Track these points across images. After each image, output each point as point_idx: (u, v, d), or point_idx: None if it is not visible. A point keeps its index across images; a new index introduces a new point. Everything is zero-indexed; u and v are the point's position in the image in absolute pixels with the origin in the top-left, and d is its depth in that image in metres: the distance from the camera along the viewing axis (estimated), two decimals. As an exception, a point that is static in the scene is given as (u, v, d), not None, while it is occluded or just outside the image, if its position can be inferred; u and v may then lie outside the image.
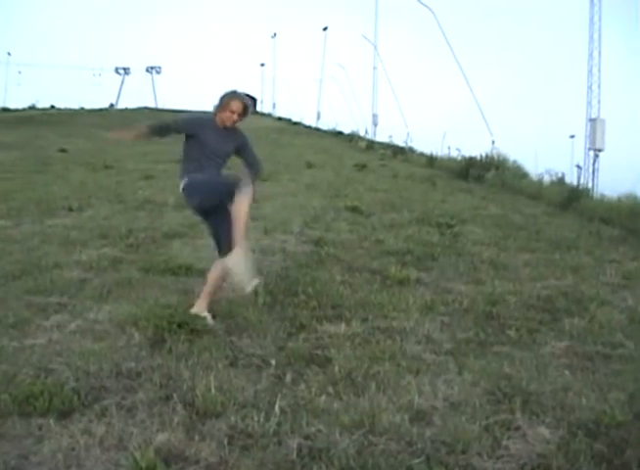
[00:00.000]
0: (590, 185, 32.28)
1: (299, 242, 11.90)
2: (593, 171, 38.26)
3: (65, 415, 4.80)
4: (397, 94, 60.43)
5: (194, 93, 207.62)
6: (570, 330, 7.33)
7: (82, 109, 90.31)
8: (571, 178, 26.52)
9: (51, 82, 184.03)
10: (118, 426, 4.67)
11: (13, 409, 4.79)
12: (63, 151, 30.19)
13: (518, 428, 4.92)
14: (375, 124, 65.11)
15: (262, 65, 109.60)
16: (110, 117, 66.53)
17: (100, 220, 13.09)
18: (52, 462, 4.20)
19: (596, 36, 41.28)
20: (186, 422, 4.76)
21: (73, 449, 4.34)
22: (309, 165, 27.50)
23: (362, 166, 28.10)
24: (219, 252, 7.40)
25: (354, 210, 15.84)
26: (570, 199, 19.78)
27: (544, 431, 4.88)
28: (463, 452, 4.48)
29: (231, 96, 7.71)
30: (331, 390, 5.40)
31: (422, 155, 40.47)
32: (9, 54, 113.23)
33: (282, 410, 4.96)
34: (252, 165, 7.92)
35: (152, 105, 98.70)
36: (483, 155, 29.86)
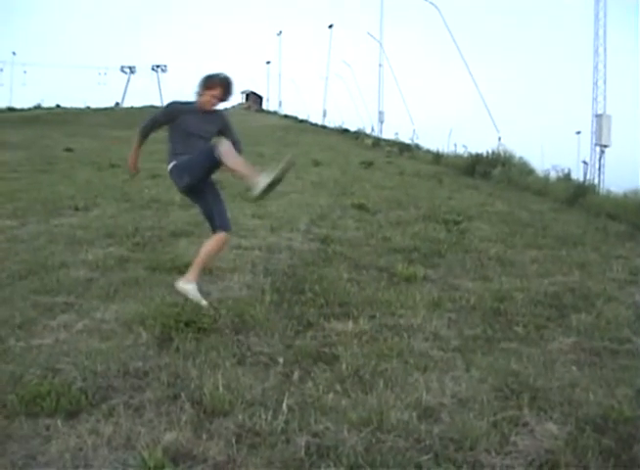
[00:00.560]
0: (596, 181, 32.32)
1: (306, 240, 11.89)
2: (599, 167, 38.32)
3: (72, 415, 4.80)
4: (403, 91, 60.53)
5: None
6: (577, 326, 7.32)
7: (88, 108, 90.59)
8: (578, 174, 26.62)
9: (56, 82, 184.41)
10: (126, 425, 4.67)
11: (20, 410, 4.79)
12: (68, 150, 30.22)
13: (526, 424, 4.91)
14: (381, 122, 65.20)
15: (268, 62, 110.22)
16: (115, 116, 66.61)
17: (106, 219, 13.09)
18: (59, 462, 4.20)
19: (601, 33, 41.38)
20: (194, 421, 4.76)
21: (81, 449, 4.34)
22: (316, 163, 27.49)
23: (368, 164, 28.12)
24: (213, 230, 7.77)
25: (361, 207, 15.84)
26: (576, 195, 19.76)
27: (552, 427, 4.87)
28: (471, 449, 4.47)
29: (214, 77, 7.87)
30: (338, 387, 5.39)
31: (428, 152, 40.47)
32: (14, 54, 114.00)
33: (290, 408, 4.96)
34: (234, 145, 7.89)
35: (157, 103, 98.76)
36: (490, 151, 29.88)
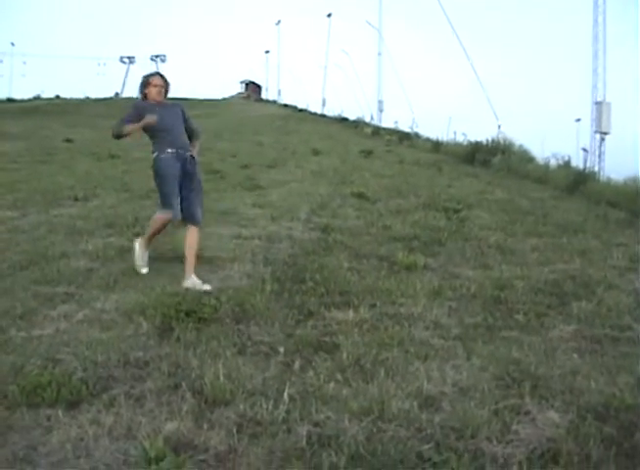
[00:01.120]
0: (596, 168, 32.27)
1: (306, 229, 11.90)
2: (599, 155, 38.28)
3: (73, 405, 4.79)
4: (403, 80, 60.36)
5: (199, 81, 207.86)
6: (577, 314, 7.32)
7: (87, 98, 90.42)
8: (578, 162, 26.55)
9: (56, 73, 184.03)
10: (127, 415, 4.66)
11: (21, 400, 4.78)
12: (68, 141, 30.23)
13: (527, 412, 4.90)
14: (380, 110, 65.20)
15: (267, 52, 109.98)
16: (115, 107, 66.55)
17: (106, 210, 13.10)
18: (61, 453, 4.19)
19: (600, 19, 41.26)
20: (195, 410, 4.75)
21: (82, 440, 4.34)
22: (315, 152, 27.52)
23: (368, 153, 28.15)
24: (184, 219, 8.64)
25: (361, 196, 15.86)
26: (576, 182, 19.78)
27: (553, 415, 4.86)
28: (472, 437, 4.47)
29: (147, 75, 8.89)
30: (339, 376, 5.39)
31: (428, 140, 40.50)
32: (13, 45, 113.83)
33: (291, 398, 4.95)
34: (194, 131, 8.99)
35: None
36: (489, 139, 29.88)
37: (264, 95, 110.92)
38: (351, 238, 11.08)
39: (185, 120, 8.84)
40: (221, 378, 5.16)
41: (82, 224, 11.46)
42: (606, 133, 38.32)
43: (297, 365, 5.63)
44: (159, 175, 8.49)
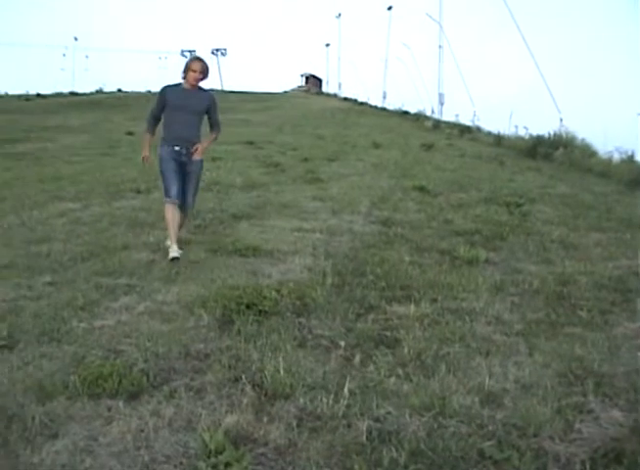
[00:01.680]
0: (661, 163, 31.76)
1: (367, 222, 11.87)
2: (664, 149, 37.64)
3: (134, 397, 4.83)
4: (463, 73, 59.81)
5: (259, 74, 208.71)
6: (642, 310, 7.21)
7: (149, 92, 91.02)
8: (641, 156, 26.10)
9: (117, 66, 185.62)
10: (187, 407, 4.69)
11: (82, 391, 4.83)
12: (130, 134, 30.51)
13: (590, 411, 4.83)
14: (441, 103, 64.61)
15: (327, 45, 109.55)
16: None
17: (168, 202, 13.17)
18: (121, 444, 4.22)
19: (667, 11, 40.53)
20: (255, 404, 4.76)
21: (142, 431, 4.36)
22: (376, 146, 27.49)
23: (429, 146, 28.03)
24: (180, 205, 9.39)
25: (422, 189, 15.80)
26: (640, 177, 19.47)
27: (617, 414, 4.79)
28: (535, 435, 4.41)
29: (192, 59, 9.41)
30: (400, 371, 5.36)
31: (489, 134, 40.18)
32: (76, 39, 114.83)
33: (351, 392, 4.93)
34: (214, 126, 9.69)
35: (218, 87, 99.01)
36: (551, 133, 29.56)
37: (324, 88, 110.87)
38: (412, 232, 11.03)
39: (210, 111, 9.46)
40: (281, 371, 5.15)
41: (144, 216, 11.56)
42: (671, 127, 37.74)
43: (357, 359, 5.61)
44: (160, 167, 9.54)
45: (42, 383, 4.97)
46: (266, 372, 5.15)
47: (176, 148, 9.29)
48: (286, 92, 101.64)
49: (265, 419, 4.54)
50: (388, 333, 6.26)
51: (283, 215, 12.16)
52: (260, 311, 6.50)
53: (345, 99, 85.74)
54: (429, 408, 4.71)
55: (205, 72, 9.25)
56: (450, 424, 4.53)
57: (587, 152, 27.36)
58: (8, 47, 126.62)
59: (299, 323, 6.44)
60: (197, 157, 9.41)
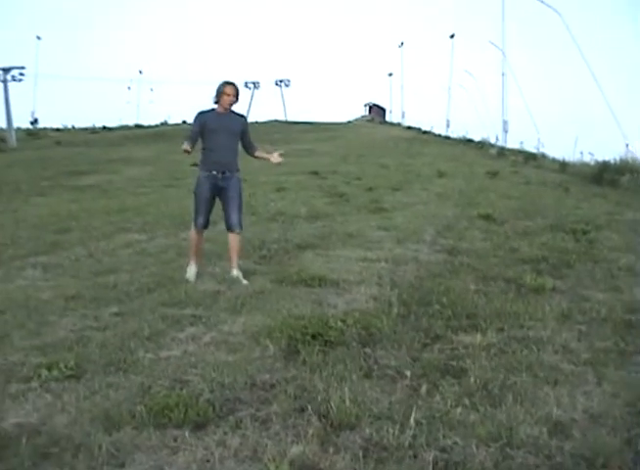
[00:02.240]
0: None
1: (432, 251, 11.82)
2: None
3: (199, 427, 4.83)
4: (527, 99, 59.59)
5: (323, 104, 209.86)
6: None
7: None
8: None
9: (182, 98, 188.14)
10: (253, 438, 4.67)
11: (148, 421, 4.85)
12: (194, 165, 30.55)
13: (662, 442, 4.73)
14: (505, 131, 64.33)
15: (390, 74, 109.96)
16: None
17: (233, 233, 13.23)
18: (187, 474, 4.22)
19: None
20: (320, 434, 4.73)
21: (208, 461, 4.36)
22: (440, 174, 27.42)
23: (494, 174, 27.89)
24: (227, 229, 10.03)
25: (487, 217, 15.70)
26: None
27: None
28: (603, 467, 4.33)
29: (224, 83, 9.77)
30: (467, 401, 5.29)
31: (554, 160, 39.92)
32: (140, 72, 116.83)
33: (417, 422, 4.88)
34: (247, 148, 10.21)
35: (281, 118, 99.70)
36: (617, 158, 29.30)
37: (388, 117, 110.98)
38: (478, 260, 10.95)
39: (243, 134, 9.98)
40: (347, 402, 5.12)
41: (209, 247, 11.59)
42: None
43: (423, 389, 5.55)
44: (194, 189, 10.15)
45: (109, 413, 5.01)
46: (332, 402, 5.12)
47: (214, 172, 9.75)
48: (349, 122, 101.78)
49: (331, 449, 4.51)
50: (455, 363, 6.20)
51: (348, 245, 12.16)
52: (326, 342, 6.48)
53: (409, 128, 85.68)
54: (496, 439, 4.65)
55: (237, 96, 9.80)
56: (518, 455, 4.47)
57: (655, 177, 27.05)
58: (75, 81, 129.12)
59: (365, 353, 6.41)
60: (278, 159, 10.29)
